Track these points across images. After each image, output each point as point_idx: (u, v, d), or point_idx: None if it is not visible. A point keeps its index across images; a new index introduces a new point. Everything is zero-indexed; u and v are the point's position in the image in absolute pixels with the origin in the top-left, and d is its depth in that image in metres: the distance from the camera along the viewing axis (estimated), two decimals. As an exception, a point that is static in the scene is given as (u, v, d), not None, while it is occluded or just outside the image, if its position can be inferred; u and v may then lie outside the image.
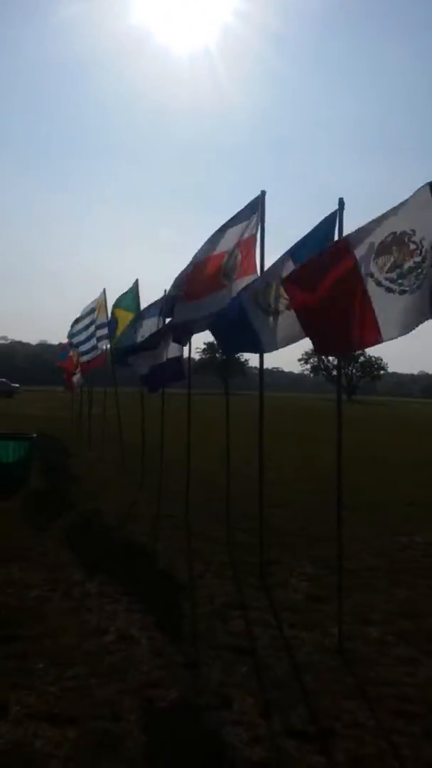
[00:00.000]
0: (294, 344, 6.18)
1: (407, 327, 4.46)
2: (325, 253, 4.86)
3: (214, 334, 7.34)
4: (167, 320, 9.37)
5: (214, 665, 4.62)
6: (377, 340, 4.60)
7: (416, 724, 3.87)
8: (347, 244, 4.60)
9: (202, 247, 7.56)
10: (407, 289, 4.40)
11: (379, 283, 4.48)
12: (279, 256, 5.93)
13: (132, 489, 11.74)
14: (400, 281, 4.43)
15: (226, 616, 5.57)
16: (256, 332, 6.22)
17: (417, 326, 4.44)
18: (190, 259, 7.75)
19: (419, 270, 4.31)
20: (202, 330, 7.89)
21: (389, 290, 4.47)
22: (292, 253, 5.69)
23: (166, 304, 8.84)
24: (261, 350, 6.44)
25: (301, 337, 5.61)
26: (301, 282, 4.88)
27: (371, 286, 4.51)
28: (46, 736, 3.64)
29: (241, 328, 6.38)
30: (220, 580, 6.56)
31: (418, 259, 4.32)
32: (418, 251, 4.30)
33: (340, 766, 3.45)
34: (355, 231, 4.58)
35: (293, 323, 5.48)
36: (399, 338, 4.53)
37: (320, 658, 4.78)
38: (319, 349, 5.11)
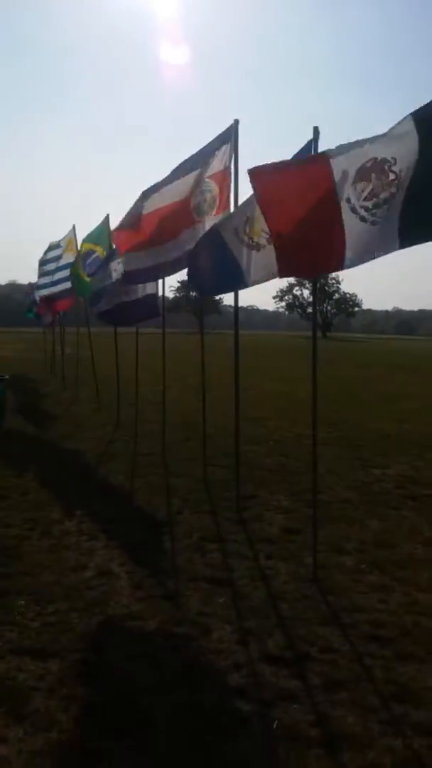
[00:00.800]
0: (270, 281, 6.08)
1: (368, 256, 4.41)
2: (302, 168, 4.68)
3: (189, 275, 7.10)
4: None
5: (193, 596, 4.72)
6: (341, 266, 4.55)
7: (388, 648, 4.02)
8: (326, 159, 4.43)
9: (166, 183, 7.26)
10: (379, 220, 4.31)
11: (354, 210, 4.38)
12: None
13: (108, 428, 11.76)
14: (374, 211, 4.33)
15: (203, 550, 5.67)
16: (240, 267, 6.03)
17: (378, 257, 4.38)
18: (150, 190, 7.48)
19: (393, 201, 4.22)
20: (181, 269, 7.70)
21: (362, 219, 4.38)
22: None
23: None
24: (243, 285, 6.25)
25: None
26: (277, 199, 4.72)
27: (346, 212, 4.41)
28: (28, 669, 3.71)
29: (221, 266, 6.20)
30: (197, 516, 6.65)
31: (393, 190, 4.22)
32: (396, 182, 4.20)
33: (316, 689, 3.58)
34: (334, 149, 4.41)
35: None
36: (372, 273, 4.48)
37: (295, 587, 4.91)
38: (282, 270, 5.00)
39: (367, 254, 4.42)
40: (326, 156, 4.46)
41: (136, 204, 7.74)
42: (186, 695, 3.51)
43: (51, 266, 18.07)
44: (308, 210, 4.59)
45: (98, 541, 5.82)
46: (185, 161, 7.09)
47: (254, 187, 4.86)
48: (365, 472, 8.80)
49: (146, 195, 7.57)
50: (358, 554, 5.65)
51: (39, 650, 3.91)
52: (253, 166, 4.81)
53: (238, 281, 6.19)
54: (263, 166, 4.75)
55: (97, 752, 3.01)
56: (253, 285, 6.13)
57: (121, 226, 8.27)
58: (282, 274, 5.14)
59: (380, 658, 3.91)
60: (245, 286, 6.21)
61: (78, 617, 4.34)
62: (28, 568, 5.14)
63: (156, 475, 8.32)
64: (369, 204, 4.35)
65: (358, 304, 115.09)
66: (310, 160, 4.78)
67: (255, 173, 4.73)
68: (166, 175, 7.38)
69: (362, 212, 4.39)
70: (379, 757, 3.05)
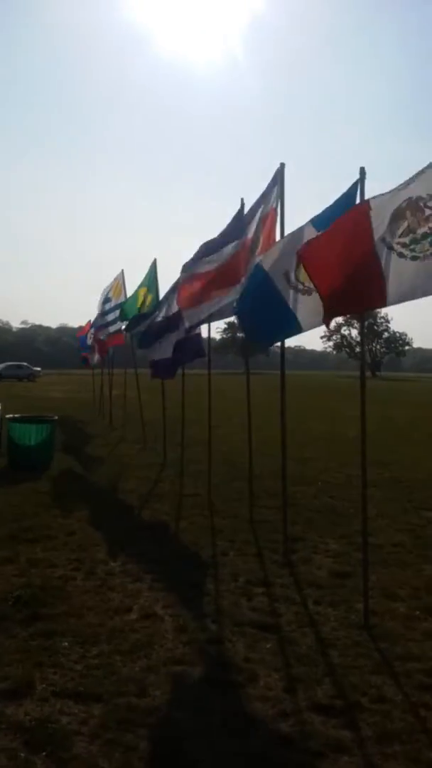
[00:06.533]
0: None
1: (414, 294, 4.39)
2: (344, 218, 4.76)
3: (243, 322, 7.01)
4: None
5: (239, 641, 4.60)
6: (382, 303, 4.54)
7: (444, 699, 3.82)
8: (367, 208, 4.49)
9: (230, 233, 7.51)
10: (419, 255, 4.31)
11: (390, 248, 4.39)
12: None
13: (155, 468, 11.76)
14: (412, 246, 4.34)
15: (249, 593, 5.55)
16: (293, 312, 5.88)
17: (427, 295, 4.36)
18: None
19: None
20: (229, 316, 7.89)
21: (401, 255, 4.38)
22: (313, 221, 5.55)
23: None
24: (297, 331, 6.09)
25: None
26: (319, 249, 4.78)
27: (382, 250, 4.42)
28: (71, 713, 3.65)
29: (275, 312, 6.01)
30: (243, 558, 6.53)
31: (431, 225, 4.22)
32: None
33: (368, 741, 3.42)
34: (376, 197, 4.47)
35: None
36: (423, 311, 4.46)
37: (346, 634, 4.74)
38: (326, 315, 4.97)
39: (416, 290, 4.38)
40: (368, 202, 4.52)
41: (190, 264, 8.30)
42: (232, 743, 3.39)
43: (104, 308, 18.54)
44: (347, 254, 4.63)
45: (143, 582, 5.76)
46: (238, 222, 7.30)
47: (300, 258, 4.96)
48: (417, 515, 8.54)
49: (201, 256, 7.95)
50: (412, 600, 5.43)
51: (82, 693, 3.84)
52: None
53: (292, 327, 6.00)
54: (308, 242, 4.88)
55: (139, 802, 2.92)
56: (306, 330, 6.00)
57: (181, 282, 8.79)
58: (326, 319, 5.09)
59: (436, 711, 3.71)
60: (299, 331, 6.08)
61: (122, 660, 4.27)
62: (72, 609, 5.10)
63: (202, 516, 8.25)
64: (406, 240, 4.36)
65: (408, 343, 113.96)
66: (353, 209, 4.80)
67: (301, 253, 4.85)
68: (220, 233, 7.73)
69: (399, 248, 4.41)
70: None
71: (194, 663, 4.28)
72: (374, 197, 4.52)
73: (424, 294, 4.41)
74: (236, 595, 5.50)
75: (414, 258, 4.29)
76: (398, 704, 3.78)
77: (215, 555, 6.64)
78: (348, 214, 4.78)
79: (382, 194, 4.47)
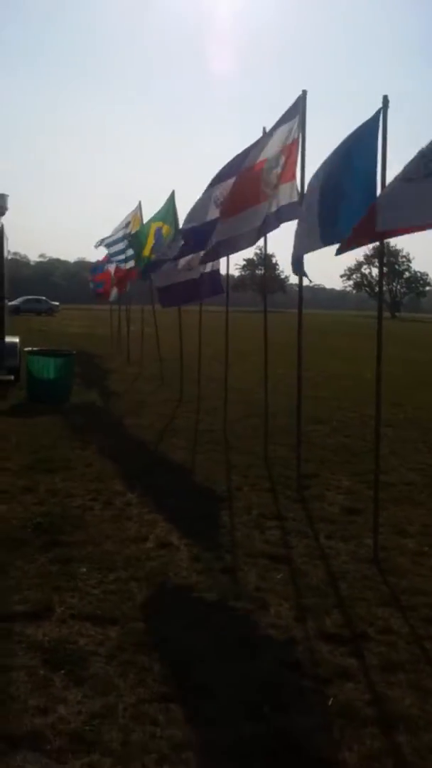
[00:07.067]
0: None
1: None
2: None
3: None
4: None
5: (251, 571, 4.74)
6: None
7: (449, 632, 3.93)
8: None
9: (246, 154, 7.31)
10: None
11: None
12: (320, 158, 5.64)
13: (171, 404, 11.87)
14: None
15: (262, 526, 5.67)
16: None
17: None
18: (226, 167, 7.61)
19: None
20: (250, 245, 7.69)
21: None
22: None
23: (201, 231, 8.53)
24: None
25: None
26: None
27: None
28: (89, 634, 3.81)
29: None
30: (257, 493, 6.65)
31: None
32: None
33: (373, 669, 3.54)
34: None
35: None
36: None
37: (355, 567, 4.86)
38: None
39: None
40: None
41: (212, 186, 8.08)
42: (242, 667, 3.53)
43: (121, 245, 18.31)
44: None
45: (159, 513, 5.90)
46: (264, 136, 7.09)
47: None
48: (431, 455, 8.60)
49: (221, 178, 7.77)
50: (421, 537, 5.53)
51: (100, 617, 4.00)
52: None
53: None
54: None
55: (152, 717, 3.07)
56: None
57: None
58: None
59: (440, 642, 3.83)
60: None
61: (138, 586, 4.42)
62: (90, 537, 5.26)
63: (217, 452, 8.37)
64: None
65: (429, 283, 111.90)
66: None
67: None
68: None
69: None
70: (436, 741, 2.99)
71: (208, 591, 4.42)
72: None
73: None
74: (249, 528, 5.63)
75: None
76: (403, 636, 3.90)
77: (230, 489, 6.77)
78: None
79: None
